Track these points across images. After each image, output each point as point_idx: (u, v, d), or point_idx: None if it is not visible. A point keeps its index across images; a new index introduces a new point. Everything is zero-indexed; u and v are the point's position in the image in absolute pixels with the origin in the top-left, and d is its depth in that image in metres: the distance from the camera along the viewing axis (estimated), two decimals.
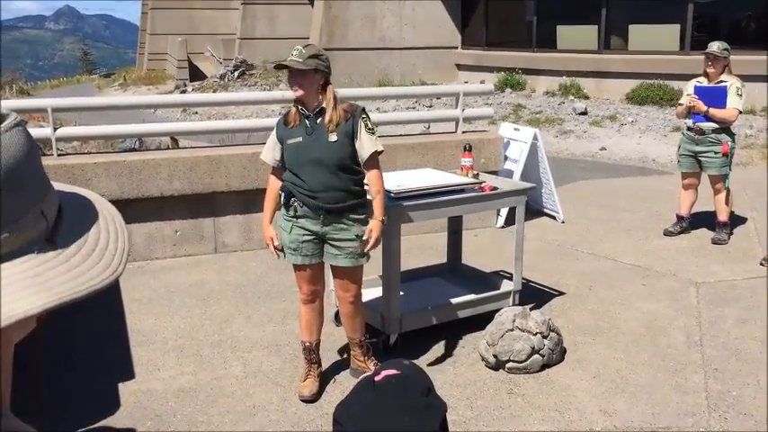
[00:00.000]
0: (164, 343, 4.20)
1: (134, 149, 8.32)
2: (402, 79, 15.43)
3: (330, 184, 3.32)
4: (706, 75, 5.86)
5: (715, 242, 5.94)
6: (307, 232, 3.41)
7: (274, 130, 3.49)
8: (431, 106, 12.81)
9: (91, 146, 9.05)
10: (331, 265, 3.53)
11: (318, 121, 3.33)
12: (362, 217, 3.43)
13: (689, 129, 5.92)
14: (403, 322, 3.98)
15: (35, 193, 0.60)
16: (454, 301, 4.24)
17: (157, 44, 29.14)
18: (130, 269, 5.39)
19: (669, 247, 5.88)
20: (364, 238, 3.41)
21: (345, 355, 3.91)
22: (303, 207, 3.37)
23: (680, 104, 6.05)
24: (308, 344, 3.63)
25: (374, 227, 3.40)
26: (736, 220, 6.40)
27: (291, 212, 3.41)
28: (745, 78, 6.23)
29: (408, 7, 15.76)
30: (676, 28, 12.89)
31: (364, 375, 1.48)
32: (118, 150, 8.24)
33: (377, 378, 1.42)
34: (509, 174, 6.29)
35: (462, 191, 4.15)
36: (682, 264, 5.47)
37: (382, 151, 3.42)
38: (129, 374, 3.81)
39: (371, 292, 4.30)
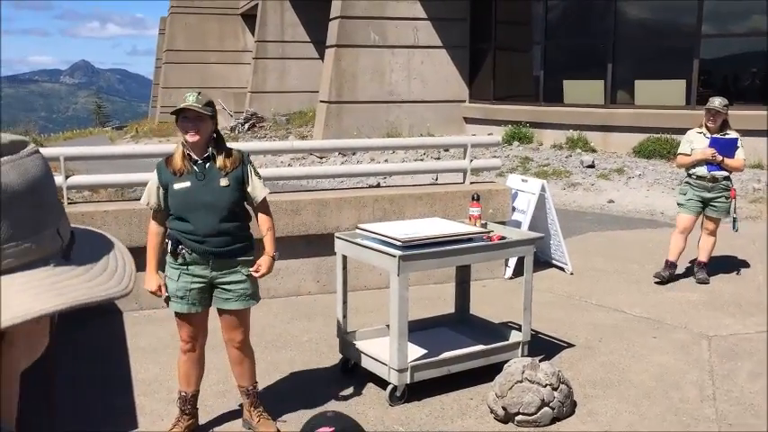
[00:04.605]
0: (168, 392, 4.14)
1: None
2: (410, 132, 15.58)
3: (220, 228, 3.34)
4: (707, 128, 6.03)
5: (701, 282, 6.15)
6: (196, 279, 3.40)
7: (155, 174, 3.48)
8: (439, 158, 12.90)
9: (101, 195, 9.12)
10: (219, 310, 3.52)
11: (208, 165, 3.38)
12: (251, 258, 3.46)
13: (700, 177, 6.08)
14: (410, 373, 3.93)
15: (53, 214, 0.65)
16: (462, 351, 4.19)
17: (170, 97, 29.59)
18: (137, 317, 5.37)
19: (679, 299, 5.83)
20: (252, 270, 3.44)
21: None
22: (192, 254, 3.37)
23: (681, 154, 6.21)
24: (183, 393, 3.61)
25: (264, 261, 3.45)
26: (746, 274, 6.36)
27: (180, 260, 3.40)
28: (751, 133, 6.39)
29: (417, 62, 16.01)
30: (682, 83, 13.03)
31: None
32: (128, 199, 8.29)
33: None
34: (517, 224, 6.28)
35: (471, 240, 4.14)
36: (692, 317, 5.41)
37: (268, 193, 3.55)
38: (132, 424, 3.76)
39: (379, 342, 4.26)
